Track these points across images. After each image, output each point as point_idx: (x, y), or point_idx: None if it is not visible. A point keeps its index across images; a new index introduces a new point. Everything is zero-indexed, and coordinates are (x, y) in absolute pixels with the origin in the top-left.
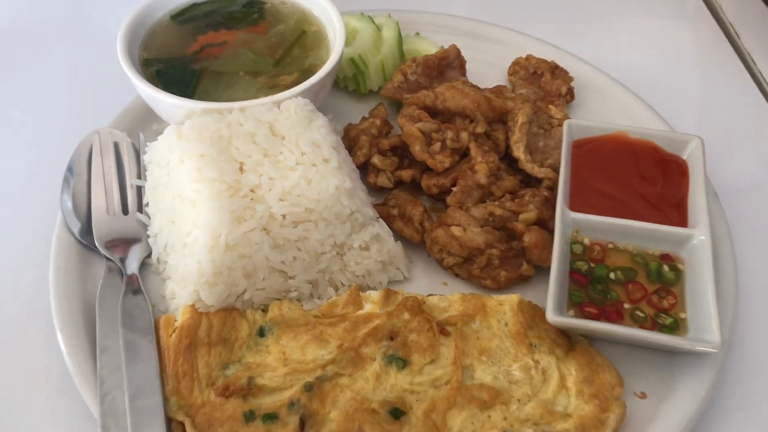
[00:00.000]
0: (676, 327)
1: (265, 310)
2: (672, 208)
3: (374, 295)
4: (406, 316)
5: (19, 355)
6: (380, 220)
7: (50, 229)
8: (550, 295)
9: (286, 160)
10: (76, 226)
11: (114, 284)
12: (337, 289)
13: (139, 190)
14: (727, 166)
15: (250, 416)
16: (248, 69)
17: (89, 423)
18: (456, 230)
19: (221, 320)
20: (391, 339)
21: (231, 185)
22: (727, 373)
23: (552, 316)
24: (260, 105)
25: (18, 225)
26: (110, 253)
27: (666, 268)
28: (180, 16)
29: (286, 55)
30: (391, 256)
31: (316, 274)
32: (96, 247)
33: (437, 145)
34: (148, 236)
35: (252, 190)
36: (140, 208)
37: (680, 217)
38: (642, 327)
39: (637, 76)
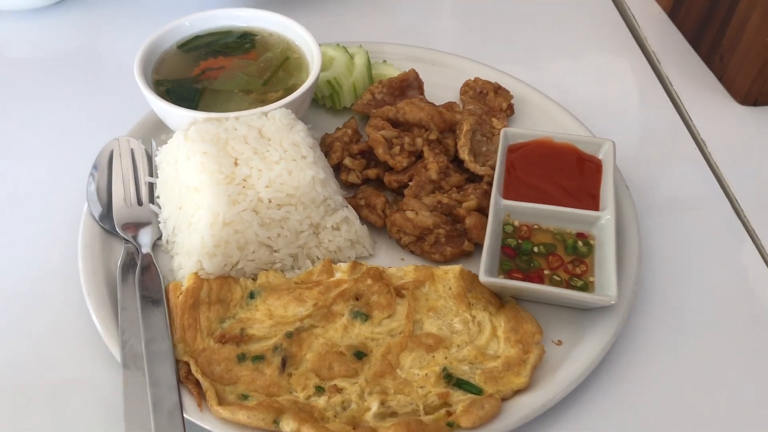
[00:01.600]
0: (585, 288)
1: (254, 278)
2: (587, 197)
3: (343, 266)
4: (369, 281)
5: (55, 318)
6: (349, 206)
7: (77, 217)
8: (483, 261)
9: (271, 156)
10: (99, 214)
11: (131, 260)
12: (313, 262)
13: (151, 186)
14: (638, 166)
15: (242, 357)
16: (241, 88)
17: (113, 366)
18: (410, 214)
19: (219, 285)
20: (357, 299)
21: (227, 175)
22: (630, 327)
23: (483, 277)
24: (251, 114)
25: (49, 215)
26: (127, 235)
27: (580, 243)
28: (185, 46)
29: (272, 77)
30: (357, 236)
31: (296, 249)
32: (116, 231)
33: (397, 149)
34: (159, 222)
35: (244, 180)
36: (152, 200)
37: (593, 204)
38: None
39: (569, 96)
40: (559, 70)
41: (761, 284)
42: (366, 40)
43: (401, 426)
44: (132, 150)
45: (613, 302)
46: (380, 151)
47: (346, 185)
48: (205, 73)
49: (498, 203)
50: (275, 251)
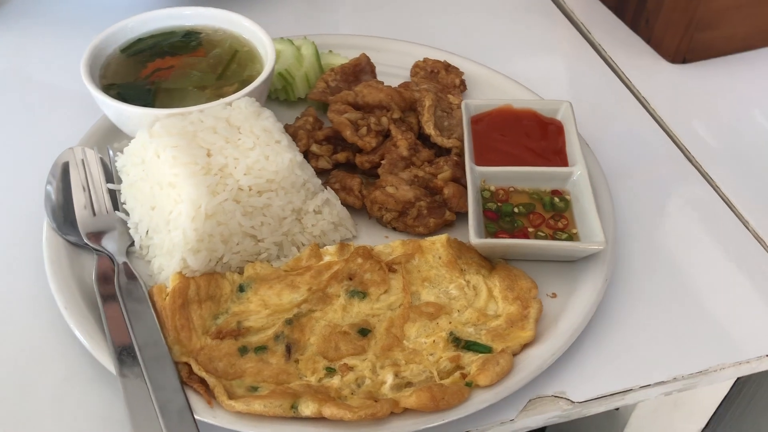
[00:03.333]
0: (569, 240)
1: (240, 272)
2: (555, 155)
3: (331, 248)
4: (360, 261)
5: (32, 340)
6: (328, 188)
7: (37, 233)
8: (471, 225)
9: (244, 144)
10: (61, 227)
11: (105, 270)
12: (298, 249)
13: (113, 193)
14: (590, 124)
15: (243, 350)
16: (196, 84)
17: (105, 378)
18: (390, 189)
19: (206, 281)
20: (350, 279)
21: (203, 166)
22: (616, 272)
23: (474, 239)
24: (215, 106)
25: (5, 234)
26: (97, 245)
27: (557, 199)
28: (129, 50)
29: (225, 70)
30: (340, 218)
31: (280, 237)
32: (83, 242)
33: (364, 130)
34: (129, 228)
35: (221, 169)
36: (116, 207)
37: (561, 161)
38: None
39: (510, 71)
40: (496, 48)
41: (723, 218)
42: (310, 33)
43: (423, 392)
44: (87, 159)
45: (602, 247)
46: (348, 134)
47: (316, 172)
48: (155, 73)
49: (473, 170)
50: (260, 241)
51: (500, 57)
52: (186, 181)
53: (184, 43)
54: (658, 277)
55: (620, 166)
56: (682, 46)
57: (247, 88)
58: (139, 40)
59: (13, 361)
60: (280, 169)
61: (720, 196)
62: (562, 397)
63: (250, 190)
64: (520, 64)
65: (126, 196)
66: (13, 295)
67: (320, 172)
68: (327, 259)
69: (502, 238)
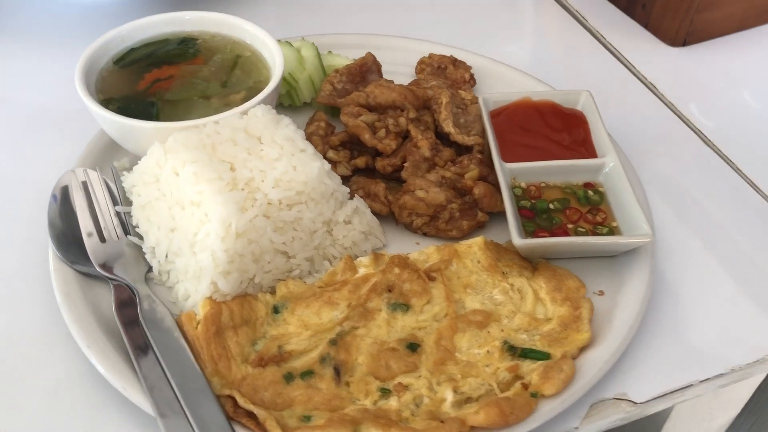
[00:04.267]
0: (611, 234)
1: (272, 292)
2: (580, 147)
3: (365, 259)
4: (397, 270)
5: (51, 381)
6: (356, 196)
7: (43, 265)
8: (511, 225)
9: (269, 155)
10: (69, 257)
11: (124, 300)
12: (330, 262)
13: (122, 216)
14: (603, 116)
15: (289, 377)
16: (201, 94)
17: (141, 420)
18: (420, 193)
19: (239, 305)
20: (390, 291)
21: (229, 182)
22: (658, 263)
23: (517, 240)
24: (230, 116)
25: (9, 268)
26: (111, 274)
27: (591, 192)
28: (122, 61)
29: (230, 78)
30: (370, 227)
31: (311, 251)
32: (95, 272)
33: (382, 132)
34: (144, 253)
35: (247, 183)
36: (127, 231)
37: (589, 153)
38: None
39: (514, 63)
40: (493, 39)
41: (752, 202)
42: (306, 33)
43: (491, 407)
44: (90, 181)
45: (650, 240)
46: (366, 137)
47: None
48: (154, 84)
49: (503, 168)
50: (291, 257)
51: (500, 48)
52: (212, 199)
53: (182, 51)
54: (698, 265)
55: (637, 153)
56: (682, 29)
57: (261, 94)
58: (133, 50)
59: (33, 405)
60: (309, 179)
61: (744, 179)
62: (623, 399)
63: (280, 203)
64: (520, 54)
65: (138, 218)
66: (24, 331)
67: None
68: (362, 271)
69: (543, 236)
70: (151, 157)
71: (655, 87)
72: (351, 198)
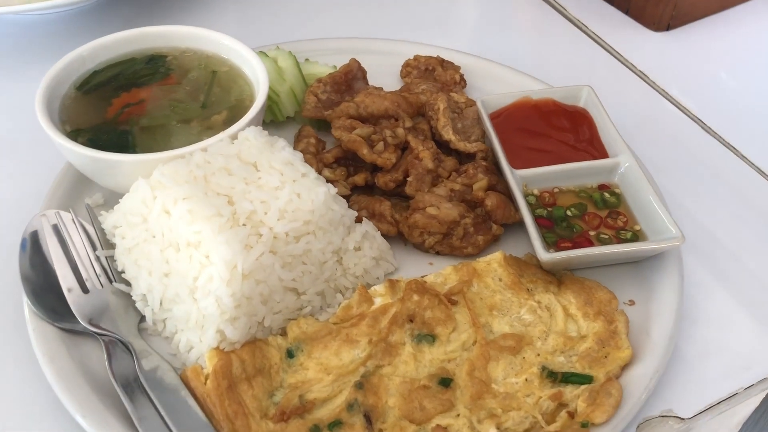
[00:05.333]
0: (636, 238)
1: (283, 334)
2: (589, 146)
3: (380, 288)
4: (416, 297)
5: None
6: (364, 219)
7: (19, 323)
8: (534, 240)
9: (268, 183)
10: (49, 314)
11: (117, 357)
12: (343, 294)
13: (104, 262)
14: None
15: (315, 430)
16: (179, 118)
17: None
18: (432, 210)
19: (250, 353)
20: (411, 321)
21: (229, 218)
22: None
23: (544, 255)
24: (218, 141)
25: None
26: (100, 329)
27: (607, 194)
28: (85, 86)
29: (208, 97)
30: (380, 251)
31: (322, 285)
32: (81, 329)
33: (380, 145)
34: (134, 301)
35: (249, 218)
36: (112, 277)
37: (599, 152)
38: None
39: (501, 56)
40: (476, 35)
41: (762, 189)
42: (278, 42)
43: None
44: (63, 224)
45: (682, 242)
46: (365, 152)
47: None
48: (125, 111)
49: (514, 176)
50: (301, 294)
51: (479, 43)
52: (213, 239)
53: (151, 71)
54: (720, 263)
55: (634, 139)
56: (666, 14)
57: (249, 113)
58: (96, 73)
59: None
60: (316, 206)
61: (750, 165)
62: (671, 416)
63: (287, 236)
64: (502, 49)
65: (124, 263)
66: (1, 404)
67: None
68: (378, 301)
69: (566, 248)
70: (135, 195)
71: (645, 75)
72: (358, 221)
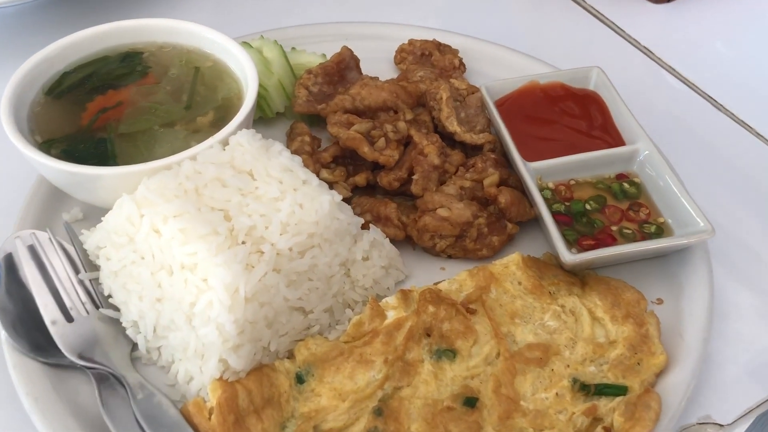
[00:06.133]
0: (661, 231)
1: (290, 356)
2: (604, 133)
3: (392, 300)
4: (431, 308)
5: None
6: (371, 225)
7: None
8: (555, 239)
9: (267, 193)
10: (31, 347)
11: (108, 391)
12: (352, 308)
13: (88, 285)
14: None
15: None
16: (161, 121)
17: None
18: (443, 212)
19: (257, 382)
20: (428, 335)
21: (226, 235)
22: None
23: (568, 257)
24: (208, 148)
25: None
26: (89, 362)
27: (626, 185)
28: (56, 89)
29: (193, 96)
30: (390, 259)
31: (330, 301)
32: (67, 362)
33: (381, 141)
34: (124, 329)
35: (248, 234)
36: (99, 303)
37: (614, 138)
38: (636, 241)
39: (497, 39)
40: (470, 15)
41: None
42: (260, 30)
43: None
44: (40, 245)
45: (711, 236)
46: (366, 150)
47: None
48: (101, 116)
49: (528, 169)
50: (308, 313)
51: (479, 23)
52: (210, 261)
53: (127, 70)
54: (743, 248)
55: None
56: None
57: (239, 115)
58: (66, 75)
59: None
60: (320, 217)
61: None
62: (709, 423)
63: (290, 252)
64: (500, 28)
65: (111, 287)
66: None
67: None
68: (391, 315)
69: (588, 245)
70: (119, 212)
71: (648, 50)
72: (364, 228)
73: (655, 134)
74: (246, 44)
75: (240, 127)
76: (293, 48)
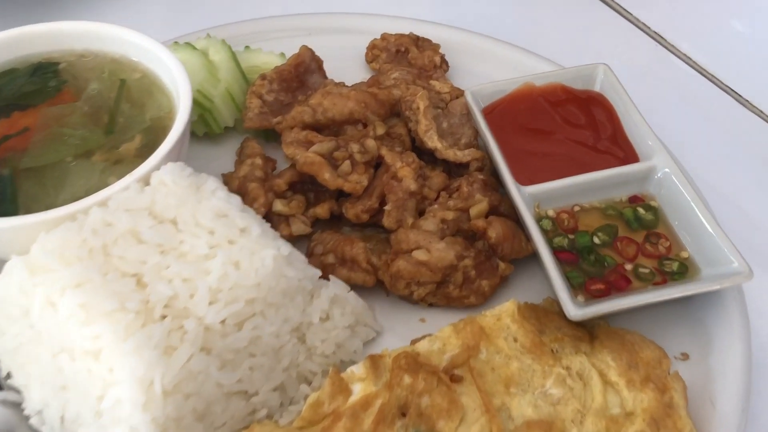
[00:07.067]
0: (684, 270)
1: None
2: (611, 144)
3: (358, 370)
4: (407, 379)
5: None
6: (330, 276)
7: None
8: (558, 287)
9: (194, 249)
10: None
11: None
12: (309, 383)
13: None
14: None
15: None
16: (76, 151)
17: None
18: (420, 254)
19: None
20: (403, 415)
21: (138, 311)
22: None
23: (574, 312)
24: (123, 190)
25: None
26: None
27: (641, 210)
28: None
29: (115, 117)
30: (356, 315)
31: (281, 376)
32: None
33: (346, 164)
34: (28, 417)
35: (168, 306)
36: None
37: (625, 152)
38: (655, 284)
39: (482, 24)
40: (456, 3)
41: None
42: (206, 27)
43: None
44: None
45: (748, 279)
46: (327, 176)
47: (290, 240)
48: (0, 146)
49: (522, 195)
50: (253, 395)
51: (462, 9)
52: (118, 348)
53: (38, 86)
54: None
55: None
56: None
57: (163, 146)
58: None
59: None
60: (263, 277)
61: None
62: None
63: (223, 326)
64: (485, 14)
65: (9, 366)
66: None
67: (295, 240)
68: (358, 389)
69: (598, 291)
70: (9, 279)
71: (660, 34)
72: (324, 277)
73: (671, 140)
74: (188, 45)
75: (166, 159)
76: (247, 47)
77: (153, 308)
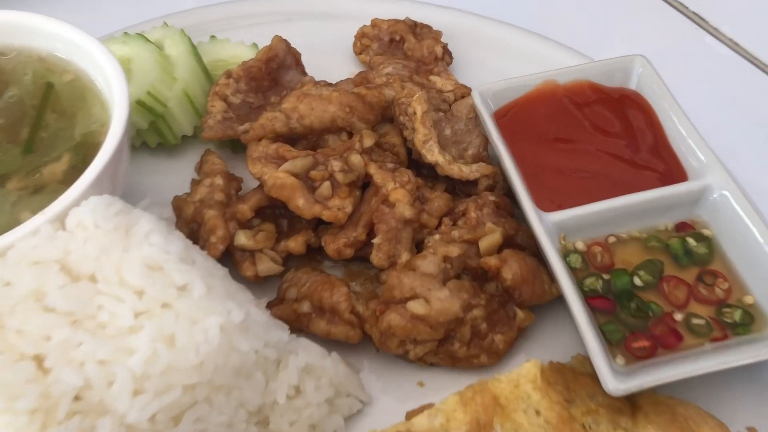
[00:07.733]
0: (749, 320)
1: None
2: (651, 156)
3: None
4: None
5: None
6: (299, 338)
7: None
8: (593, 352)
9: (115, 318)
10: None
11: None
12: None
13: None
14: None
15: None
16: None
17: None
18: (417, 306)
19: None
20: None
21: (36, 407)
22: None
23: (615, 386)
24: (30, 235)
25: None
26: None
27: (692, 242)
28: None
29: (37, 131)
30: (336, 385)
31: None
32: None
33: (325, 187)
34: None
35: (78, 399)
36: None
37: (669, 164)
38: (713, 339)
39: (507, 11)
40: None
41: None
42: (165, 14)
43: None
44: None
45: None
46: (300, 203)
47: (256, 282)
48: None
49: (545, 224)
50: None
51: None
52: None
53: None
54: None
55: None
56: None
57: (90, 169)
58: None
59: None
60: (206, 355)
61: None
62: None
63: (153, 421)
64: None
65: None
66: None
67: (262, 282)
68: None
69: (642, 350)
70: None
71: (702, 19)
72: (296, 331)
73: (722, 149)
74: (140, 37)
75: (92, 189)
76: (213, 37)
77: (56, 404)
